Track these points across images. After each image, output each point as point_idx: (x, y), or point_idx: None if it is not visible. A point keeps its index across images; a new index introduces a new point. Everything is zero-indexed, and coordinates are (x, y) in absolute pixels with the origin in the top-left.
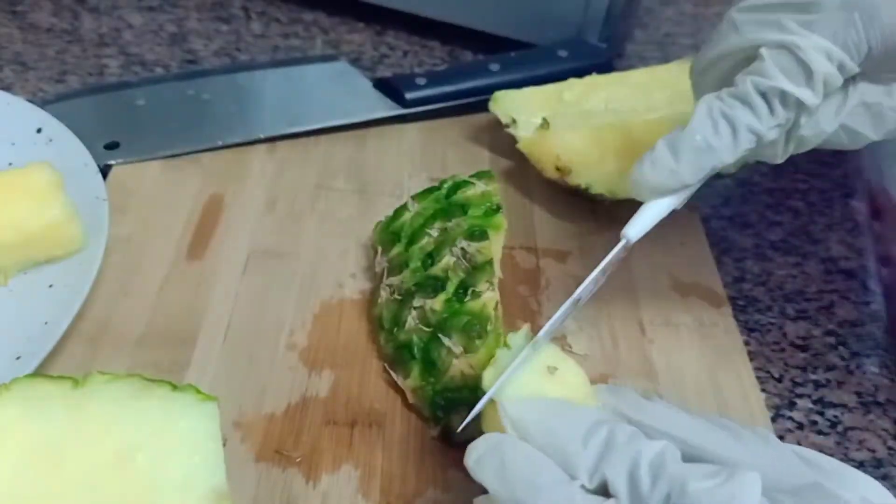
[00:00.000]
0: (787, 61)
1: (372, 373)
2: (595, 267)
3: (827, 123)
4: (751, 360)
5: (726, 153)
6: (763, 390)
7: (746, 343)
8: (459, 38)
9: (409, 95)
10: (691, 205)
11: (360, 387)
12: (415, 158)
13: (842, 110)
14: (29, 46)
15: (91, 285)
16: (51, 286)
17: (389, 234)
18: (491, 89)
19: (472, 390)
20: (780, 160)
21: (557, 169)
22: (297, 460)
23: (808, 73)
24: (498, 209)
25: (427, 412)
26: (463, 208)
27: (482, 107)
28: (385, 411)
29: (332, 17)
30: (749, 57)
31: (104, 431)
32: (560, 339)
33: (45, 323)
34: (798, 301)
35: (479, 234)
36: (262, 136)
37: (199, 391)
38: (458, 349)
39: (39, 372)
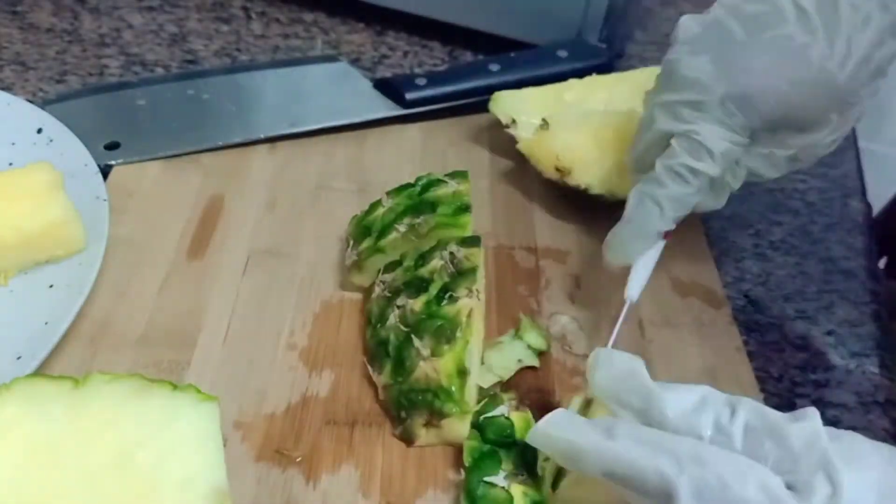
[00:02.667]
0: (690, 145)
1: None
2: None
3: (739, 174)
4: (751, 360)
5: (660, 224)
6: (763, 390)
7: (746, 343)
8: (459, 39)
9: (409, 96)
10: None
11: (360, 387)
12: (415, 159)
13: (749, 159)
14: (29, 47)
15: (91, 285)
16: (51, 286)
17: (362, 227)
18: (491, 89)
19: (433, 394)
20: (721, 205)
21: (557, 169)
22: (298, 460)
23: (708, 152)
24: (466, 209)
25: (392, 410)
26: (433, 206)
27: (482, 107)
28: (385, 411)
29: (333, 17)
30: (667, 145)
31: (104, 431)
32: (560, 339)
33: (46, 323)
34: (798, 301)
35: (470, 241)
36: (262, 136)
37: (199, 391)
38: (426, 351)
39: (40, 372)
